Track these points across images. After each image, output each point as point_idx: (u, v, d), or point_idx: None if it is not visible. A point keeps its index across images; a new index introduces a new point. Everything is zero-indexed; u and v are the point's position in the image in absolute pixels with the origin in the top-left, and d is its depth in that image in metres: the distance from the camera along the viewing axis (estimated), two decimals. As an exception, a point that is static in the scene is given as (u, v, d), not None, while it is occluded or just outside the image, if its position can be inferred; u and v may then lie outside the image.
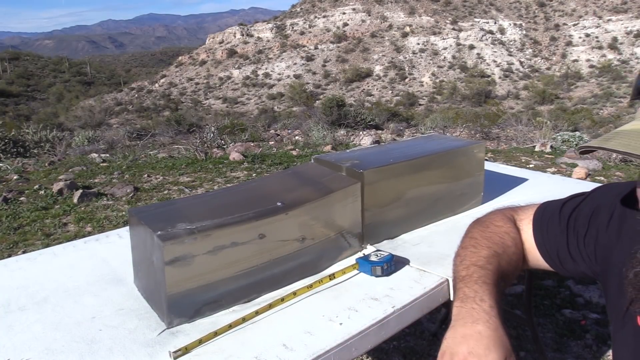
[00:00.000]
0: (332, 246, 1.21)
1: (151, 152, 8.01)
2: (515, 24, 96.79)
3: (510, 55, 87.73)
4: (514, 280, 1.01)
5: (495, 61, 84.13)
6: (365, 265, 1.14)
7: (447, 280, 1.12)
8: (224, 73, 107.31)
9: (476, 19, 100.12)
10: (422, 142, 1.66)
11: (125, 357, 0.88)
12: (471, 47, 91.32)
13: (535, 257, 1.01)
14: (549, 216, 1.01)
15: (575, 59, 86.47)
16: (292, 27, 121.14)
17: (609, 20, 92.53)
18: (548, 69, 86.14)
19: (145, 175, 5.76)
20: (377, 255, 1.16)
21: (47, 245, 3.31)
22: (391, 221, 1.36)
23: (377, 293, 1.07)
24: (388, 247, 1.30)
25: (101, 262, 1.25)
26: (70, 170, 6.14)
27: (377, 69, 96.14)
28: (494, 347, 0.81)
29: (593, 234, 0.90)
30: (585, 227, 0.91)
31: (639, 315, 0.79)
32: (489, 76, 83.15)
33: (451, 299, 1.09)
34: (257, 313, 0.99)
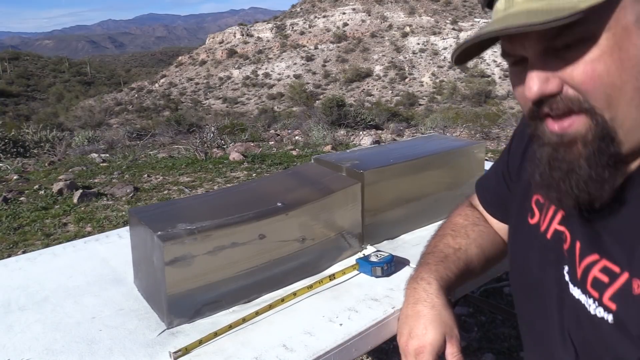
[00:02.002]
0: (332, 247, 1.21)
1: (151, 152, 8.01)
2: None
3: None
4: (501, 255, 1.03)
5: (495, 61, 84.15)
6: (366, 265, 1.14)
7: (448, 280, 1.11)
8: (224, 73, 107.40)
9: (476, 19, 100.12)
10: (422, 142, 1.66)
11: (125, 357, 0.88)
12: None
13: (495, 225, 1.03)
14: (485, 178, 1.07)
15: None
16: (292, 27, 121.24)
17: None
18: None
19: (145, 175, 5.76)
20: (377, 256, 1.16)
21: (47, 245, 3.31)
22: (391, 221, 1.36)
23: (377, 294, 1.07)
24: (388, 247, 1.29)
25: (101, 262, 1.25)
26: (70, 170, 6.14)
27: (377, 69, 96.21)
28: (431, 325, 0.84)
29: (523, 166, 0.91)
30: (518, 162, 0.93)
31: (530, 216, 0.84)
32: (489, 76, 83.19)
33: (451, 300, 1.09)
34: (257, 313, 0.99)
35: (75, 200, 4.64)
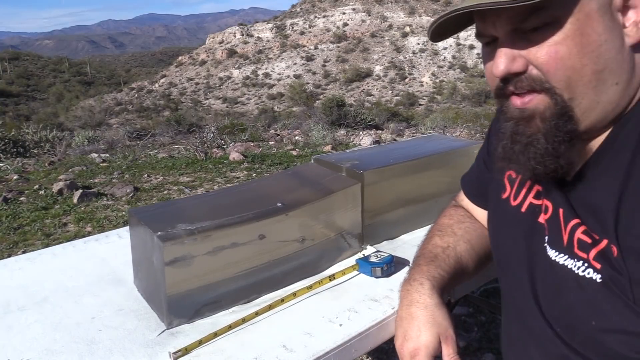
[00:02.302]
0: (332, 247, 1.21)
1: (151, 152, 8.01)
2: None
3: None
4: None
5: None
6: (365, 266, 1.14)
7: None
8: (224, 73, 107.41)
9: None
10: (422, 142, 1.66)
11: (125, 357, 0.88)
12: (471, 47, 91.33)
13: (482, 217, 1.04)
14: (469, 171, 1.12)
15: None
16: (292, 27, 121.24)
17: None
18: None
19: (145, 175, 5.76)
20: (377, 256, 1.16)
21: (47, 245, 3.31)
22: (391, 222, 1.36)
23: (377, 294, 1.07)
24: (388, 247, 1.29)
25: (101, 262, 1.25)
26: (70, 170, 6.14)
27: (377, 69, 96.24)
28: (425, 326, 0.84)
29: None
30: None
31: (502, 192, 0.88)
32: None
33: (451, 300, 1.09)
34: (257, 314, 0.98)
35: (75, 200, 4.64)
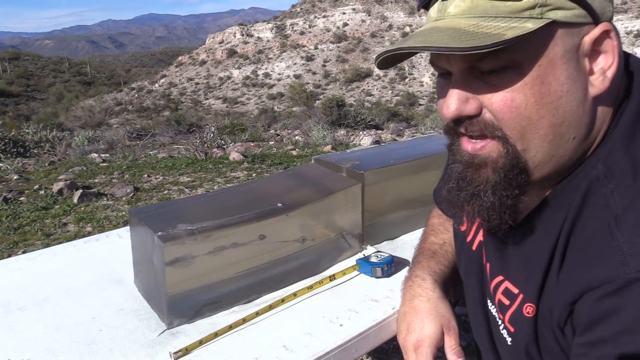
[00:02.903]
0: (332, 247, 1.21)
1: (151, 152, 8.01)
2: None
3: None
4: None
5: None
6: (366, 266, 1.14)
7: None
8: (224, 73, 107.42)
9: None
10: (423, 142, 1.66)
11: (125, 357, 0.88)
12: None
13: None
14: (438, 188, 1.09)
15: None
16: (292, 27, 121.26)
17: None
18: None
19: (145, 175, 5.76)
20: (377, 257, 1.16)
21: (47, 245, 3.31)
22: (392, 222, 1.36)
23: (378, 294, 1.07)
24: (388, 248, 1.29)
25: (101, 262, 1.25)
26: (70, 170, 6.14)
27: (377, 69, 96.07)
28: (428, 318, 0.85)
29: None
30: None
31: (460, 224, 0.87)
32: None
33: (451, 300, 1.09)
34: (257, 314, 0.98)
35: (75, 200, 4.64)
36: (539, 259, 0.63)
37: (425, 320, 0.84)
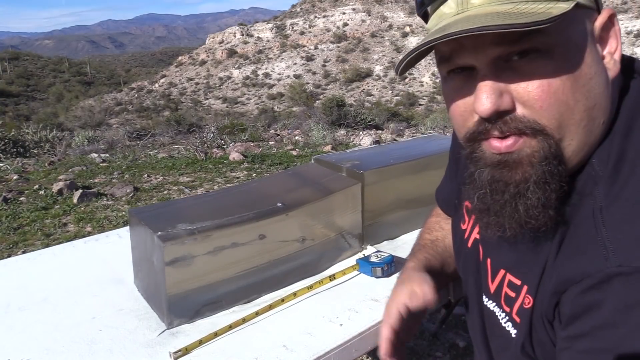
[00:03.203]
0: (332, 247, 1.21)
1: (151, 152, 8.01)
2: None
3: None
4: None
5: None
6: (366, 266, 1.14)
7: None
8: (224, 73, 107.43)
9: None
10: (423, 142, 1.66)
11: (125, 357, 0.88)
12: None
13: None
14: (441, 187, 1.09)
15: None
16: (292, 27, 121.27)
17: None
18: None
19: (145, 175, 5.76)
20: (377, 256, 1.16)
21: (47, 245, 3.31)
22: (391, 222, 1.36)
23: (378, 294, 1.07)
24: (388, 247, 1.30)
25: (101, 262, 1.25)
26: (70, 170, 6.14)
27: (377, 69, 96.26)
28: (399, 287, 0.84)
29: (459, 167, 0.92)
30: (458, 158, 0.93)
31: (462, 222, 0.85)
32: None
33: (451, 300, 1.09)
34: (257, 314, 0.99)
35: (75, 200, 4.64)
36: (542, 249, 0.62)
37: (397, 288, 0.84)
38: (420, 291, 0.79)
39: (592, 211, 0.56)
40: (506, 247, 0.68)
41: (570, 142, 0.57)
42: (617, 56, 0.60)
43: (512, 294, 0.67)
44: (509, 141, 0.58)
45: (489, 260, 0.74)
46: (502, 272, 0.70)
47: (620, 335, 0.49)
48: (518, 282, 0.66)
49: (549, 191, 0.58)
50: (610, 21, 0.59)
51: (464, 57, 0.57)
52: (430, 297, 0.78)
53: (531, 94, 0.55)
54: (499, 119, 0.57)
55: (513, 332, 0.67)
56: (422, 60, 0.63)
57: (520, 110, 0.56)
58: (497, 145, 0.59)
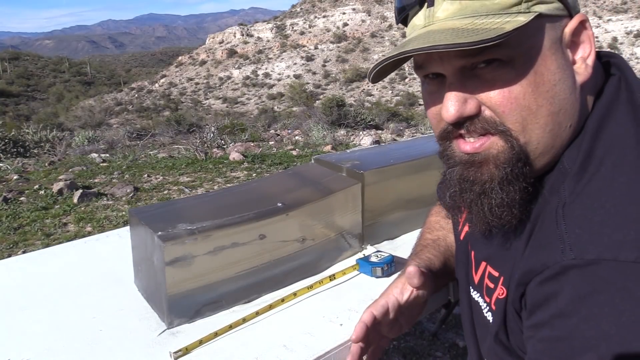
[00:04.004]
0: (332, 247, 1.21)
1: (151, 152, 8.01)
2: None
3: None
4: None
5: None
6: (366, 266, 1.14)
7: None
8: (224, 73, 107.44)
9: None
10: (423, 142, 1.66)
11: (125, 357, 0.88)
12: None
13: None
14: (441, 183, 1.08)
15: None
16: (292, 27, 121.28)
17: (608, 20, 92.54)
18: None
19: (145, 175, 5.76)
20: (377, 256, 1.16)
21: (47, 245, 3.31)
22: (391, 222, 1.36)
23: (378, 294, 1.06)
24: (388, 247, 1.30)
25: (101, 262, 1.25)
26: (70, 170, 6.14)
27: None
28: (397, 280, 0.90)
29: None
30: None
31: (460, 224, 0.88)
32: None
33: (451, 299, 1.09)
34: (257, 314, 0.99)
35: (75, 200, 4.64)
36: (513, 243, 0.65)
37: (393, 281, 0.91)
38: (377, 303, 0.86)
39: (556, 207, 0.59)
40: (485, 240, 0.72)
41: (537, 145, 0.61)
42: (589, 60, 0.61)
43: (492, 285, 0.70)
44: (476, 143, 0.62)
45: (473, 253, 0.78)
46: (483, 264, 0.74)
47: (573, 324, 0.52)
48: (496, 274, 0.69)
49: (513, 192, 0.61)
50: (583, 26, 0.61)
51: (434, 66, 0.62)
52: (414, 273, 0.85)
53: (493, 100, 0.59)
54: (466, 122, 0.62)
55: (491, 320, 0.70)
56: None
57: (486, 113, 0.61)
58: (464, 146, 0.63)
